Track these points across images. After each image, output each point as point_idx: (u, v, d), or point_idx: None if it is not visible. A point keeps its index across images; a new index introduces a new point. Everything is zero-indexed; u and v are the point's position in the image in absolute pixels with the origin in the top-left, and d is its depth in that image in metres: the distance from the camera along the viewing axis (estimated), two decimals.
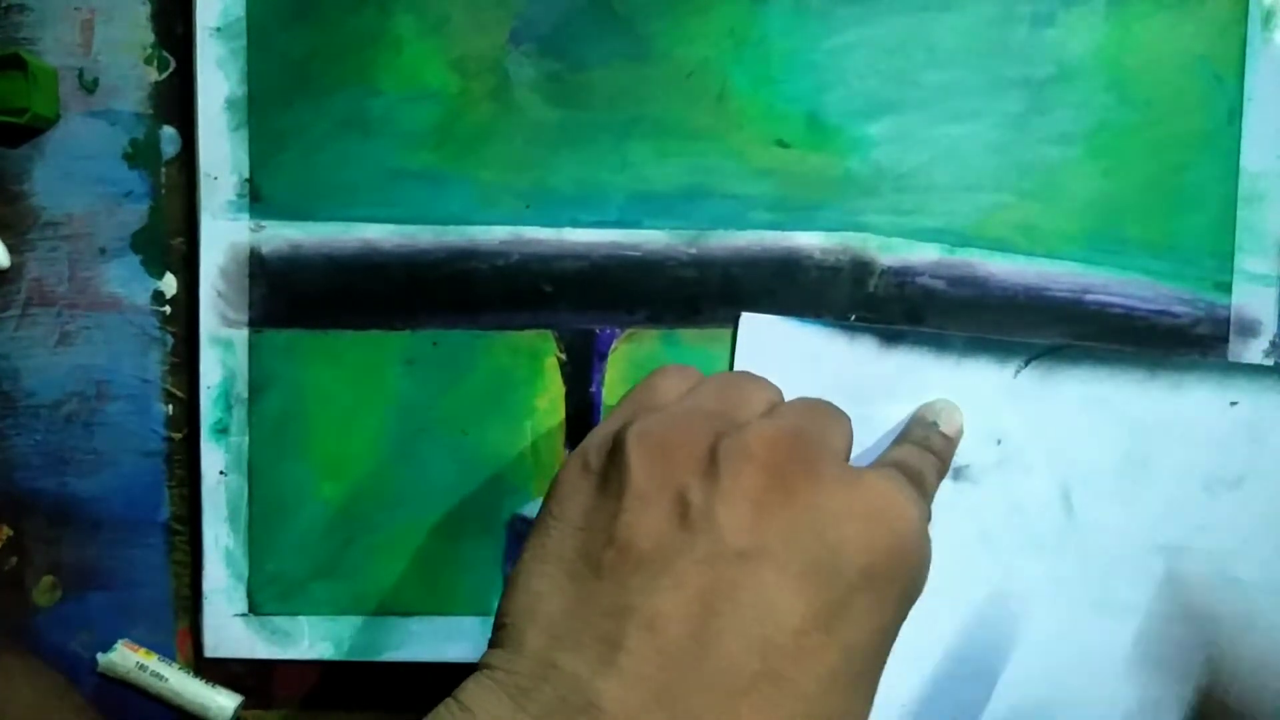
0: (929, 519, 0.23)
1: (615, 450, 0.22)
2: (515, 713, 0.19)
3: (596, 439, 0.23)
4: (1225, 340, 0.31)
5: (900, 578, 0.21)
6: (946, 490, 0.30)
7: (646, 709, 0.19)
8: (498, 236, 0.31)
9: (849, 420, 0.25)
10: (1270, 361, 0.31)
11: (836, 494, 0.21)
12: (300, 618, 0.31)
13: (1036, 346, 0.30)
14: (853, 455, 0.28)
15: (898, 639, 0.22)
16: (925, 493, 0.26)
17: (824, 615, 0.20)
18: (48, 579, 0.32)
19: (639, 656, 0.19)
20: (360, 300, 0.31)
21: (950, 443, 0.30)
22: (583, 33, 0.30)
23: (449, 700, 0.20)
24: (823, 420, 0.25)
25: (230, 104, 0.30)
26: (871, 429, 0.30)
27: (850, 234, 0.31)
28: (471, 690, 0.20)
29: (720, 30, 0.30)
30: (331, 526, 0.31)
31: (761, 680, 0.19)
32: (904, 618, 0.22)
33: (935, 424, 0.29)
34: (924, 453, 0.28)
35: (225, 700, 0.31)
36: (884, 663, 0.22)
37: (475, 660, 0.21)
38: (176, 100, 0.31)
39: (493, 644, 0.21)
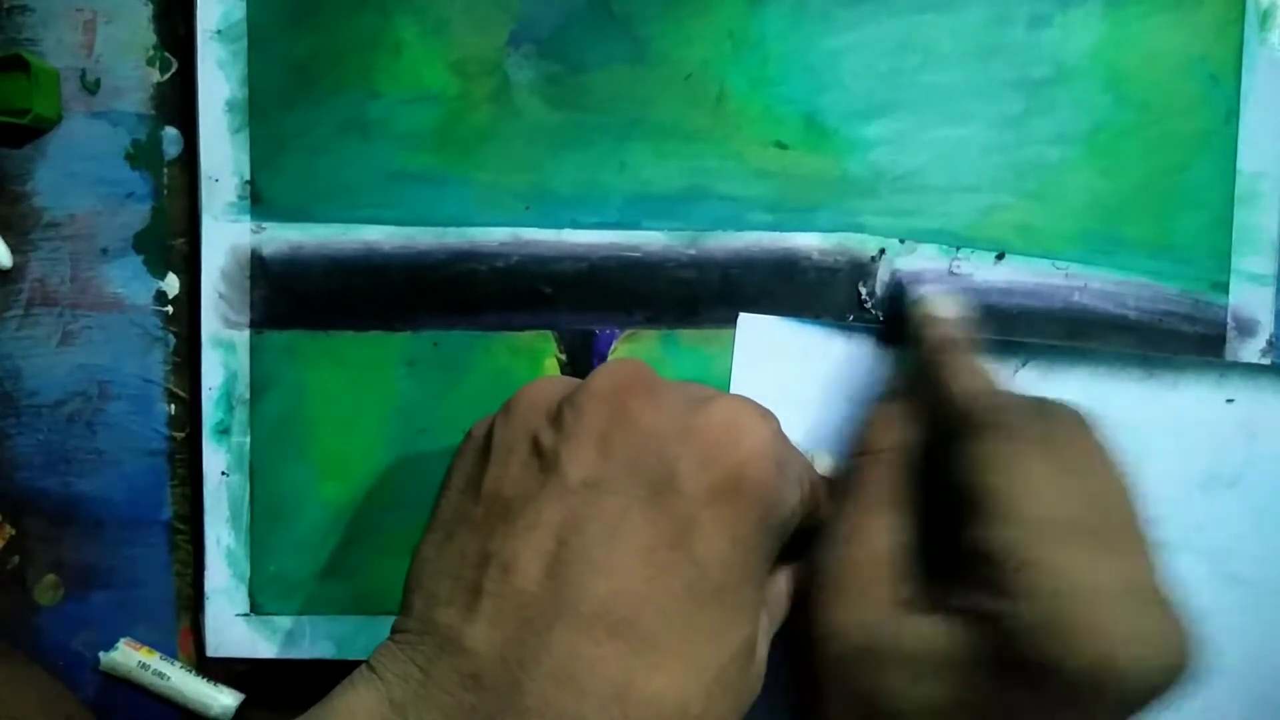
0: (785, 445, 0.23)
1: (493, 421, 0.24)
2: (407, 665, 0.21)
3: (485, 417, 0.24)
4: (1222, 340, 0.31)
5: (749, 493, 0.21)
6: None
7: (510, 646, 0.20)
8: (497, 238, 0.31)
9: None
10: (1267, 360, 0.31)
11: (678, 416, 0.22)
12: (302, 617, 0.31)
13: (1035, 346, 0.30)
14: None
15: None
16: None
17: (671, 533, 0.21)
18: (50, 578, 0.32)
19: (498, 598, 0.21)
20: (361, 302, 0.31)
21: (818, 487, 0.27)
22: (582, 35, 0.30)
23: (363, 664, 0.22)
24: (693, 384, 0.25)
25: (231, 106, 0.31)
26: None
27: (848, 235, 0.31)
28: (378, 653, 0.22)
29: (719, 32, 0.30)
30: (333, 527, 0.31)
31: (614, 601, 0.20)
32: (770, 533, 0.22)
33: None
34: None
35: (227, 699, 0.32)
36: (754, 578, 0.22)
37: None
38: (179, 101, 0.31)
39: (399, 612, 0.23)
